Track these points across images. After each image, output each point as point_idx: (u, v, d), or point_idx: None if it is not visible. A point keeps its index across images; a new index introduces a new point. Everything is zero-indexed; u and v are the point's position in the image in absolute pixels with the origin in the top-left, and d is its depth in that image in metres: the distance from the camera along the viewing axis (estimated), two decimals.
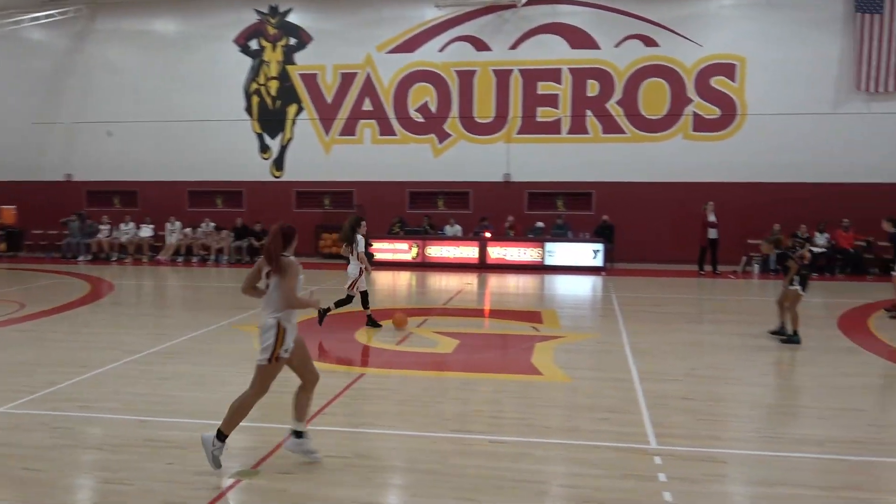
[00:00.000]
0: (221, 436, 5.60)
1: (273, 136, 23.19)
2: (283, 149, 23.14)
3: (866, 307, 13.84)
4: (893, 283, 12.60)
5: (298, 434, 5.83)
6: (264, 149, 23.23)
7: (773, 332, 10.87)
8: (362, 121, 22.45)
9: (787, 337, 10.47)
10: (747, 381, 8.66)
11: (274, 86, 23.04)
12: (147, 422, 6.83)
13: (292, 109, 22.98)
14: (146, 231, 22.76)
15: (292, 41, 22.83)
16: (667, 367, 9.07)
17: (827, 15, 19.81)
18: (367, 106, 22.42)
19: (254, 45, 23.06)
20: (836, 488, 5.48)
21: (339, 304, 11.53)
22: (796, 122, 19.92)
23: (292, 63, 22.87)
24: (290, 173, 23.03)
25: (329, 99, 22.67)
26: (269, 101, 23.11)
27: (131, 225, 22.85)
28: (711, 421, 7.07)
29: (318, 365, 9.18)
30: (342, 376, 8.55)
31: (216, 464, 5.56)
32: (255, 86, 23.15)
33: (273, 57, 22.96)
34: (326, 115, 22.68)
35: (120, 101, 23.62)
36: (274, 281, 5.68)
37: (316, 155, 22.75)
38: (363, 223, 11.37)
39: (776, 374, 9.05)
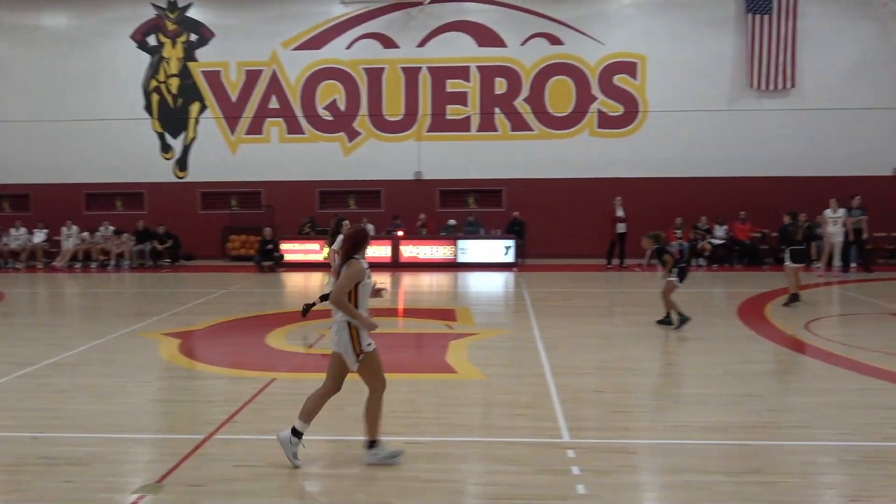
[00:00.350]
0: (297, 433, 5.77)
1: (175, 136, 22.40)
2: (187, 148, 22.39)
3: (763, 296, 14.50)
4: (786, 273, 13.23)
5: (370, 444, 5.88)
6: (166, 149, 22.41)
7: (660, 322, 11.27)
8: (269, 119, 21.96)
9: (680, 321, 10.86)
10: (655, 371, 8.93)
11: (175, 83, 22.25)
12: (41, 438, 6.44)
13: (195, 108, 22.26)
14: (39, 236, 21.56)
15: (193, 37, 22.10)
16: (578, 361, 9.23)
17: (721, 15, 20.66)
18: (274, 104, 21.95)
19: (152, 41, 22.20)
20: (739, 473, 5.68)
21: (323, 298, 11.16)
22: (695, 119, 20.69)
23: (194, 60, 22.14)
24: (195, 174, 22.30)
25: (234, 97, 22.07)
26: (169, 99, 22.30)
27: (23, 230, 21.61)
28: (622, 412, 7.23)
29: (226, 372, 8.96)
30: (252, 382, 8.31)
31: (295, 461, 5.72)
32: (154, 83, 22.30)
33: (173, 53, 22.17)
34: (231, 114, 22.08)
35: (7, 101, 22.29)
36: None
37: (221, 154, 22.12)
38: (345, 223, 10.93)
39: (682, 364, 9.35)
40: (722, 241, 19.68)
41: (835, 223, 17.93)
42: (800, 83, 20.49)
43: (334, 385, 5.93)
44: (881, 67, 20.35)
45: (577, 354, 9.61)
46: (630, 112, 21.04)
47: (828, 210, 18.12)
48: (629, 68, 20.99)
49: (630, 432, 6.65)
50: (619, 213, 19.40)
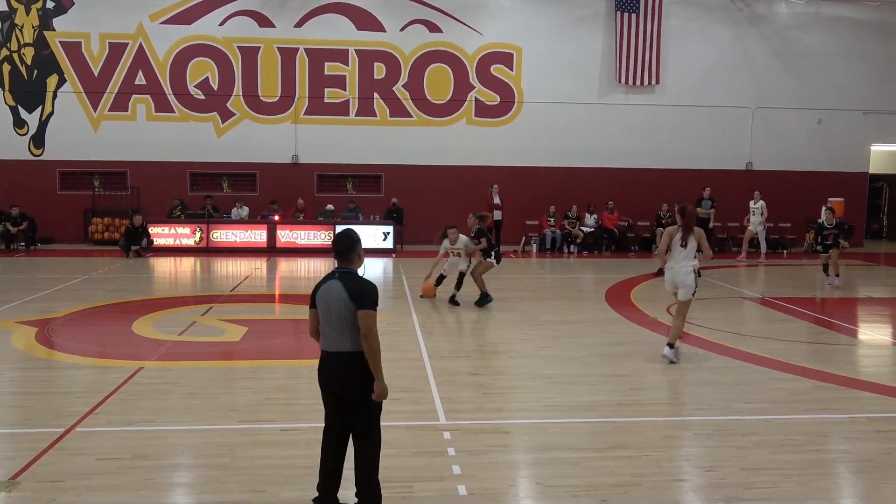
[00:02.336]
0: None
1: (30, 110, 20.84)
2: (43, 124, 20.88)
3: (629, 281, 15.24)
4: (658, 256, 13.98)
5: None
6: (20, 123, 20.82)
7: (478, 303, 12.08)
8: (135, 96, 20.83)
9: (481, 299, 11.93)
10: (528, 353, 9.19)
11: (29, 53, 20.68)
12: None
13: (52, 81, 20.78)
14: None
15: (50, 4, 20.58)
16: (455, 345, 9.40)
17: (591, 11, 21.41)
18: (141, 80, 20.83)
19: (2, 5, 20.50)
20: (606, 448, 5.98)
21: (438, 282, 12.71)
22: (567, 111, 21.39)
23: (50, 29, 20.65)
24: (53, 151, 20.84)
25: (96, 71, 20.77)
26: (23, 70, 20.71)
27: None
28: (496, 394, 7.43)
29: (88, 361, 8.48)
30: (117, 372, 7.92)
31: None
32: (5, 52, 20.63)
33: (27, 21, 20.58)
34: (93, 89, 20.77)
35: None
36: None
37: (82, 132, 20.78)
38: (451, 231, 12.56)
39: (555, 345, 9.68)
40: (591, 229, 20.50)
41: (754, 213, 19.26)
42: (664, 80, 21.59)
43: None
44: (736, 68, 21.76)
45: (454, 338, 9.78)
46: (506, 102, 21.47)
47: (750, 201, 19.41)
48: (506, 59, 21.40)
49: (504, 413, 6.84)
50: (496, 200, 19.79)
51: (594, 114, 21.58)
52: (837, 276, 14.76)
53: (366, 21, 21.08)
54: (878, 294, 14.98)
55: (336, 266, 4.73)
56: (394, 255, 19.11)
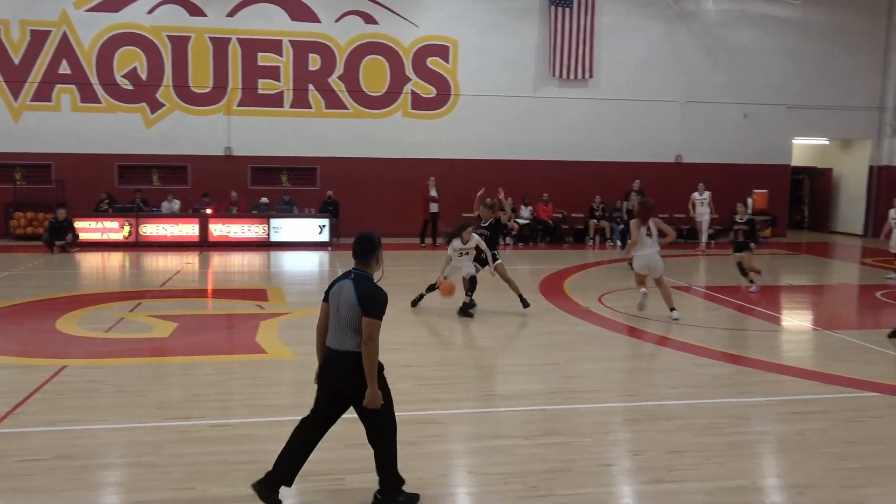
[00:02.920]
0: None
1: None
2: None
3: (563, 272, 15.50)
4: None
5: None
6: None
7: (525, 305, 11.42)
8: (59, 86, 20.10)
9: (523, 302, 11.12)
10: (463, 344, 9.29)
11: None
12: None
13: None
14: None
15: None
16: (392, 337, 9.36)
17: (526, 5, 21.60)
18: (65, 69, 20.10)
19: None
20: (537, 436, 6.10)
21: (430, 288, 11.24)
22: (503, 104, 21.56)
23: None
24: None
25: (16, 59, 19.96)
26: None
27: None
28: (432, 385, 7.48)
29: (10, 361, 8.19)
30: (40, 370, 7.67)
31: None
32: None
33: None
34: (13, 78, 19.94)
35: None
36: None
37: (2, 122, 19.95)
38: (468, 230, 11.04)
39: (489, 336, 9.80)
40: (527, 221, 20.74)
41: (702, 204, 19.87)
42: (597, 74, 21.96)
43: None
44: (666, 63, 22.28)
45: (391, 331, 9.70)
46: (442, 95, 21.51)
47: (695, 193, 19.90)
48: (441, 51, 21.43)
49: (440, 403, 6.89)
50: (433, 193, 19.85)
51: (529, 107, 21.81)
52: (752, 282, 13.27)
53: (300, 11, 20.82)
54: (799, 282, 15.62)
55: (353, 266, 4.78)
56: (330, 249, 18.98)
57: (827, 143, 25.23)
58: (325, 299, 4.79)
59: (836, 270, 17.61)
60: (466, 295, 10.87)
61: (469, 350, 8.99)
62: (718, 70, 22.57)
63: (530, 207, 21.08)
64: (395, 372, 7.76)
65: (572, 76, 21.76)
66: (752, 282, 13.31)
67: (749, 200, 22.00)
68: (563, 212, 21.70)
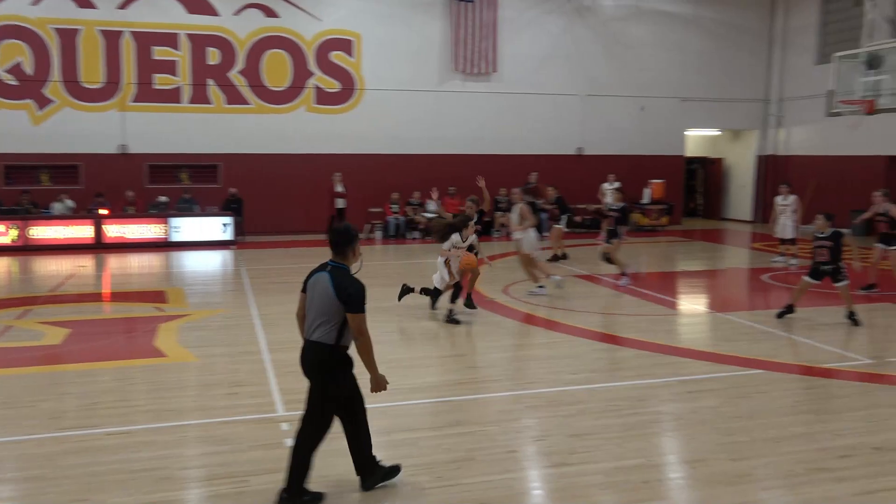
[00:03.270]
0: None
1: None
2: None
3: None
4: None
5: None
6: None
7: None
8: None
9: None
10: (371, 339, 9.24)
11: None
12: None
13: None
14: None
15: None
16: (296, 336, 9.26)
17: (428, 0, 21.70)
18: None
19: None
20: (443, 426, 6.17)
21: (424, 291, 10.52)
22: (407, 98, 21.57)
23: None
24: None
25: None
26: None
27: None
28: None
29: None
30: None
31: None
32: None
33: None
34: None
35: None
36: None
37: None
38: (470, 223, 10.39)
39: (396, 330, 9.81)
40: (434, 215, 20.83)
41: (612, 195, 19.98)
42: (501, 68, 22.25)
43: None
44: (567, 57, 22.80)
45: (296, 330, 9.64)
46: (347, 89, 21.33)
47: (605, 184, 20.26)
48: (345, 45, 21.23)
49: None
50: (339, 188, 19.68)
51: (434, 101, 21.89)
52: (624, 274, 13.03)
53: (197, 4, 20.18)
54: (693, 267, 16.33)
55: (331, 258, 4.83)
56: (234, 247, 18.54)
57: (718, 133, 26.43)
58: (304, 290, 4.91)
59: (727, 255, 18.48)
60: (452, 302, 10.12)
61: (375, 345, 8.92)
62: (616, 64, 23.26)
63: (437, 201, 21.18)
64: (298, 371, 7.68)
65: (476, 70, 21.98)
66: (623, 274, 13.06)
67: (647, 190, 22.88)
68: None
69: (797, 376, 7.78)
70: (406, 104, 21.52)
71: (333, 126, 21.17)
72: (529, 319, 10.31)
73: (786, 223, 15.23)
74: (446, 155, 21.87)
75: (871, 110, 14.97)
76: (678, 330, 10.40)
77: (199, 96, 20.33)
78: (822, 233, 9.82)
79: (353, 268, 4.90)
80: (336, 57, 21.17)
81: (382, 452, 5.63)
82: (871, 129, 18.82)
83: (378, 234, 20.63)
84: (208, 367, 7.94)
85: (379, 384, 4.88)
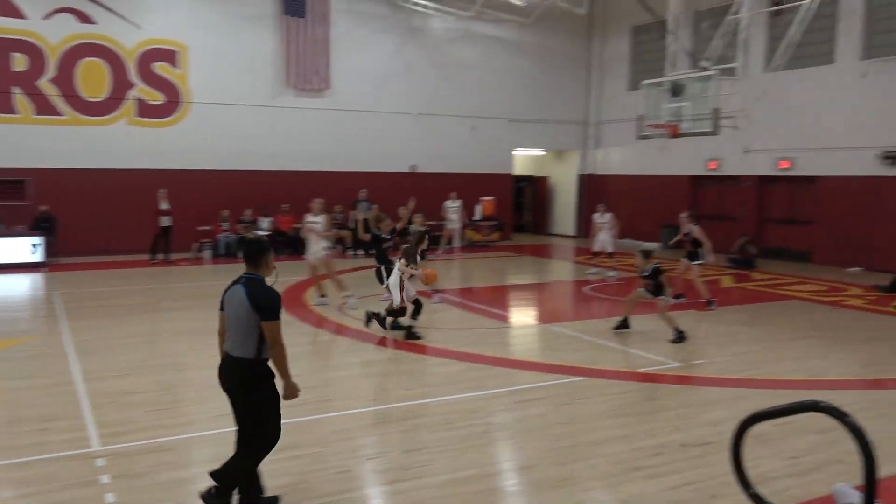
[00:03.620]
0: None
1: None
2: None
3: (304, 283, 15.40)
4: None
5: None
6: None
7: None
8: None
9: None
10: (198, 365, 8.85)
11: None
12: None
13: None
14: None
15: None
16: (115, 363, 8.71)
17: (260, 12, 21.18)
18: None
19: None
20: (277, 450, 5.93)
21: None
22: (239, 113, 20.94)
23: None
24: None
25: None
26: None
27: None
28: (160, 410, 7.05)
29: None
30: None
31: None
32: None
33: None
34: None
35: None
36: None
37: None
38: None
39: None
40: (268, 233, 20.34)
41: (454, 212, 20.97)
42: (334, 85, 22.16)
43: None
44: (400, 76, 23.14)
45: (116, 356, 9.05)
46: (172, 102, 20.38)
47: (448, 201, 20.95)
48: (169, 56, 20.29)
49: (168, 429, 6.51)
50: (164, 205, 18.72)
51: (268, 116, 21.42)
52: (436, 291, 12.97)
53: (1, 6, 18.53)
54: (522, 281, 17.04)
55: (244, 271, 4.81)
56: (45, 270, 17.10)
57: (543, 153, 27.83)
58: (221, 308, 4.85)
59: (552, 269, 19.44)
60: (413, 318, 10.08)
61: (203, 370, 8.55)
62: (448, 85, 23.90)
63: (270, 218, 20.72)
64: (118, 401, 7.25)
65: (309, 86, 21.76)
66: (435, 291, 13.11)
67: (478, 207, 23.64)
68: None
69: (616, 381, 8.31)
70: (237, 119, 20.90)
71: (158, 140, 20.14)
72: (364, 337, 10.29)
73: (604, 239, 16.33)
74: (279, 171, 21.45)
75: (676, 134, 16.38)
76: (508, 342, 10.79)
77: (4, 105, 18.65)
78: (645, 271, 10.54)
79: (269, 280, 4.88)
80: (160, 68, 20.19)
81: (206, 484, 5.40)
82: (677, 152, 20.58)
83: (207, 254, 19.80)
84: (14, 401, 7.25)
85: (293, 391, 4.91)
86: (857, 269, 18.03)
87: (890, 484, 5.47)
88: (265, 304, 4.65)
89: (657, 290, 10.39)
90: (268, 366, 4.80)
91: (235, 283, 4.81)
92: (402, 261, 10.10)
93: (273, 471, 5.56)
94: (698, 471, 5.70)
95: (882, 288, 14.94)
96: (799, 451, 6.07)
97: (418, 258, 10.30)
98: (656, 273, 10.40)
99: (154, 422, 6.68)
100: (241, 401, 4.75)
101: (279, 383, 4.86)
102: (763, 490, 5.24)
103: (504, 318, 12.23)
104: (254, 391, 4.73)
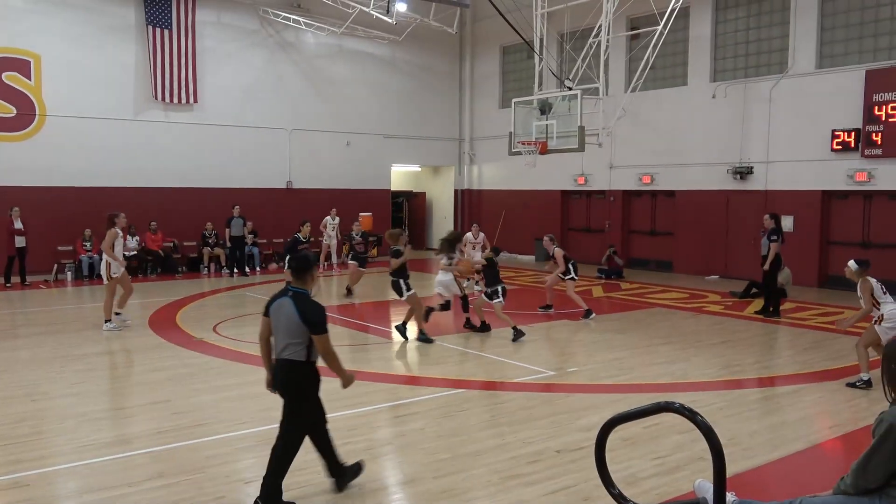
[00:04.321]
0: None
1: None
2: None
3: (175, 303, 14.81)
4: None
5: None
6: None
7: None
8: None
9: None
10: (57, 393, 8.31)
11: None
12: None
13: None
14: None
15: None
16: None
17: (121, 22, 20.18)
18: None
19: None
20: (142, 481, 5.71)
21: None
22: (100, 127, 19.83)
23: None
24: None
25: None
26: None
27: None
28: (14, 444, 6.55)
29: None
30: None
31: None
32: None
33: None
34: None
35: None
36: None
37: None
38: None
39: (89, 381, 8.90)
40: (134, 252, 19.36)
41: (333, 228, 20.95)
42: (202, 99, 21.44)
43: None
44: (272, 91, 22.71)
45: None
46: (25, 115, 19.06)
47: (328, 217, 20.79)
48: (21, 66, 18.99)
49: (23, 464, 6.05)
50: (17, 225, 17.47)
51: (132, 130, 20.43)
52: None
53: None
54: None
55: (290, 284, 5.29)
56: None
57: (419, 169, 28.10)
58: (266, 314, 5.35)
59: (431, 284, 19.55)
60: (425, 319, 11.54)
61: (63, 398, 8.05)
62: (321, 100, 23.70)
63: (137, 237, 19.75)
64: None
65: (175, 100, 20.95)
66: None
67: (356, 223, 23.50)
68: (175, 240, 20.76)
69: (493, 392, 8.47)
70: (98, 133, 19.83)
71: (10, 155, 18.81)
72: (240, 357, 9.98)
73: (478, 258, 16.64)
74: (146, 188, 20.52)
75: (544, 150, 16.96)
76: (390, 357, 10.77)
77: None
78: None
79: (312, 291, 5.36)
80: (10, 78, 18.87)
81: None
82: (547, 167, 21.31)
83: (68, 275, 18.61)
84: None
85: (348, 381, 5.60)
86: (714, 277, 19.28)
87: (748, 478, 5.88)
88: (315, 319, 5.16)
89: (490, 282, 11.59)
90: (316, 368, 5.34)
91: (282, 294, 5.28)
92: (444, 260, 12.21)
93: (144, 500, 5.31)
94: (573, 475, 5.89)
95: (737, 294, 16.05)
96: (665, 451, 6.40)
97: (456, 255, 12.32)
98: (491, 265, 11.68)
99: (8, 456, 6.19)
100: (292, 401, 5.31)
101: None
102: (633, 490, 5.50)
103: (386, 334, 12.20)
104: (303, 392, 5.31)
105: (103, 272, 12.23)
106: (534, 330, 12.12)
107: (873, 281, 8.76)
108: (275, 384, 5.42)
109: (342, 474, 5.58)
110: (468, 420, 7.38)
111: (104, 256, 12.19)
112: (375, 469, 6.17)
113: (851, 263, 9.01)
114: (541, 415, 7.60)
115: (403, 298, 11.49)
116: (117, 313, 12.30)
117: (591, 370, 9.55)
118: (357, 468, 5.71)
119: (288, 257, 4.77)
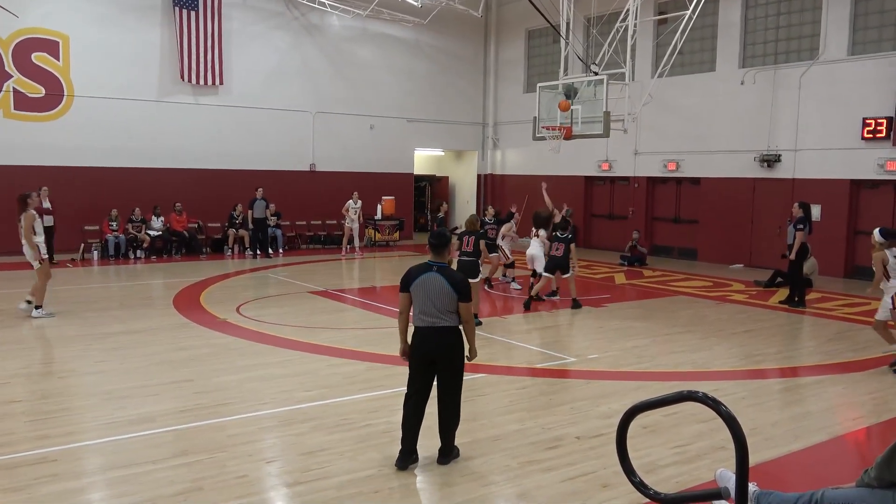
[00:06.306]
0: None
1: None
2: None
3: (199, 284, 14.95)
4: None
5: None
6: None
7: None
8: None
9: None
10: (84, 371, 8.45)
11: None
12: None
13: None
14: None
15: None
16: None
17: (148, 3, 20.26)
18: None
19: None
20: (166, 458, 5.80)
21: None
22: (127, 107, 20.00)
23: None
24: None
25: None
26: None
27: None
28: (41, 420, 6.68)
29: None
30: None
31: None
32: None
33: None
34: None
35: None
36: None
37: None
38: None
39: (113, 359, 9.03)
40: (159, 233, 19.59)
41: (355, 212, 20.83)
42: (228, 81, 21.53)
43: None
44: (296, 73, 22.74)
45: None
46: (53, 95, 19.27)
47: (350, 201, 20.70)
48: (50, 47, 19.19)
49: (51, 440, 6.17)
50: (46, 204, 17.69)
51: (158, 112, 20.58)
52: None
53: None
54: None
55: (431, 259, 5.83)
56: None
57: (442, 153, 28.04)
58: (406, 290, 5.80)
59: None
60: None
61: (89, 376, 8.19)
62: (345, 83, 23.68)
63: (162, 218, 19.93)
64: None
65: (202, 81, 21.04)
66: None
67: (379, 206, 23.55)
68: (199, 221, 20.93)
69: (514, 377, 8.48)
70: (125, 114, 20.00)
71: (39, 135, 19.04)
72: (262, 338, 10.08)
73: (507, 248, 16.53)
74: (171, 169, 20.68)
75: (569, 136, 16.82)
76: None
77: None
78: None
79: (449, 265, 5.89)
80: (39, 59, 19.06)
81: (93, 494, 5.19)
82: (571, 153, 21.16)
83: (95, 255, 18.86)
84: None
85: (476, 352, 6.11)
86: (739, 265, 19.09)
87: (769, 468, 5.84)
88: (463, 289, 5.68)
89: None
90: (461, 332, 5.79)
91: (425, 269, 5.74)
92: (542, 232, 13.43)
93: (162, 479, 5.40)
94: (592, 462, 5.89)
95: (762, 283, 15.89)
96: (686, 440, 6.38)
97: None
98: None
99: (36, 432, 6.32)
100: (445, 361, 5.73)
101: None
102: (653, 478, 5.49)
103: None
104: (458, 353, 5.76)
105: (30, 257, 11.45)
106: (554, 316, 12.10)
107: (890, 254, 8.71)
108: (421, 350, 5.74)
109: (449, 451, 5.95)
110: (488, 405, 7.40)
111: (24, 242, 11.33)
112: (394, 452, 6.21)
113: (876, 233, 8.93)
114: (561, 401, 7.60)
115: (476, 280, 11.14)
116: (28, 301, 11.63)
117: (611, 357, 9.52)
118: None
119: (433, 234, 4.72)
